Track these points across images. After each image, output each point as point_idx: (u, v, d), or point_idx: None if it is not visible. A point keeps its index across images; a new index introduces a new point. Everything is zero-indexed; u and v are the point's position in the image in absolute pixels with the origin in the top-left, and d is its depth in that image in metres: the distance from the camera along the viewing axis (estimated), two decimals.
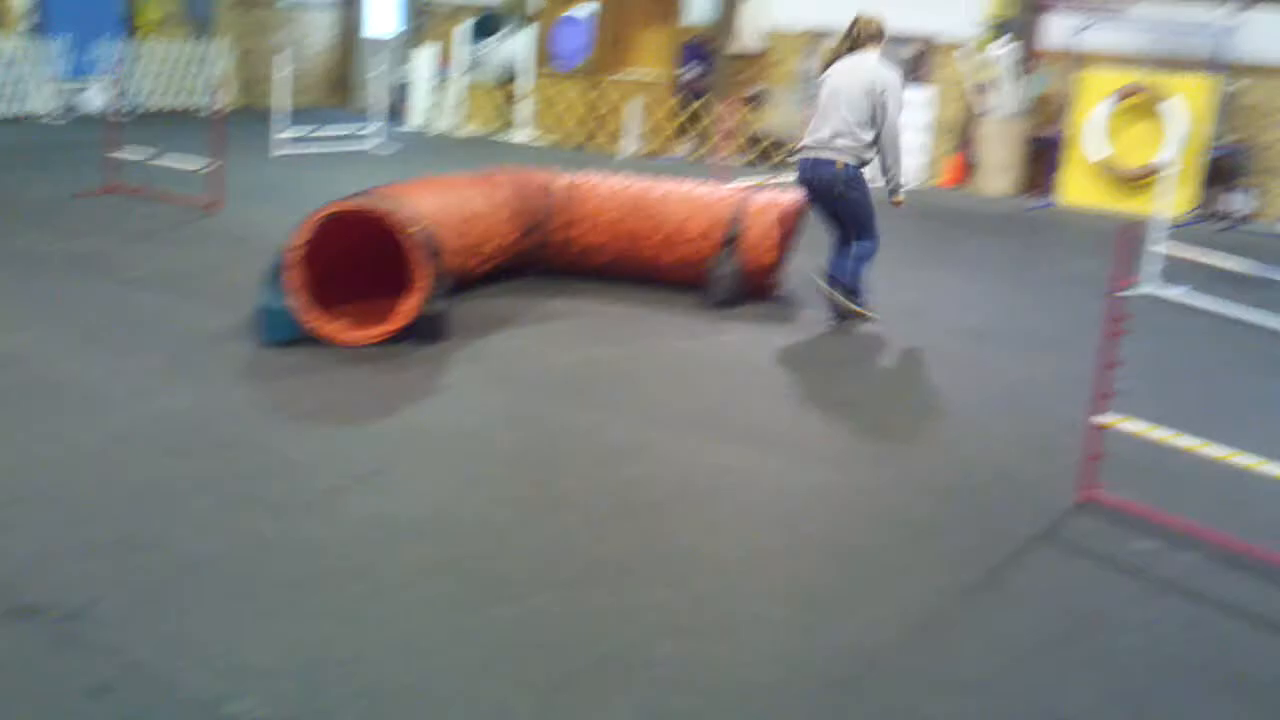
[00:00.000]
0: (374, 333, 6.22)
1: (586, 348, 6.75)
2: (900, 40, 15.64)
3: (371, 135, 14.02)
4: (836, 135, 7.03)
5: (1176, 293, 8.66)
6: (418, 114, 17.02)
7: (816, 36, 16.04)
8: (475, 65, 16.80)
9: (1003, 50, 13.84)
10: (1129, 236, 4.59)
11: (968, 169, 14.29)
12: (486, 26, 17.06)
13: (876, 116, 7.00)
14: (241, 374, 5.85)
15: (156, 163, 10.16)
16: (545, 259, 8.11)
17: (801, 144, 7.30)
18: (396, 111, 16.93)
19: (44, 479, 4.47)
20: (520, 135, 16.32)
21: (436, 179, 7.75)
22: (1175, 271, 8.79)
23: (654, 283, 7.99)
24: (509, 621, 3.61)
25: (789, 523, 4.50)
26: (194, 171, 9.84)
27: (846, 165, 7.04)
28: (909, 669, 3.50)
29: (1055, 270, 9.82)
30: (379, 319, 6.28)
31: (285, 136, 13.04)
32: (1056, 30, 14.35)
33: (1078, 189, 13.55)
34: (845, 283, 7.22)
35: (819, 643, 3.61)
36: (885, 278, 7.86)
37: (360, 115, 14.90)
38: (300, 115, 13.85)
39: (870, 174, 7.16)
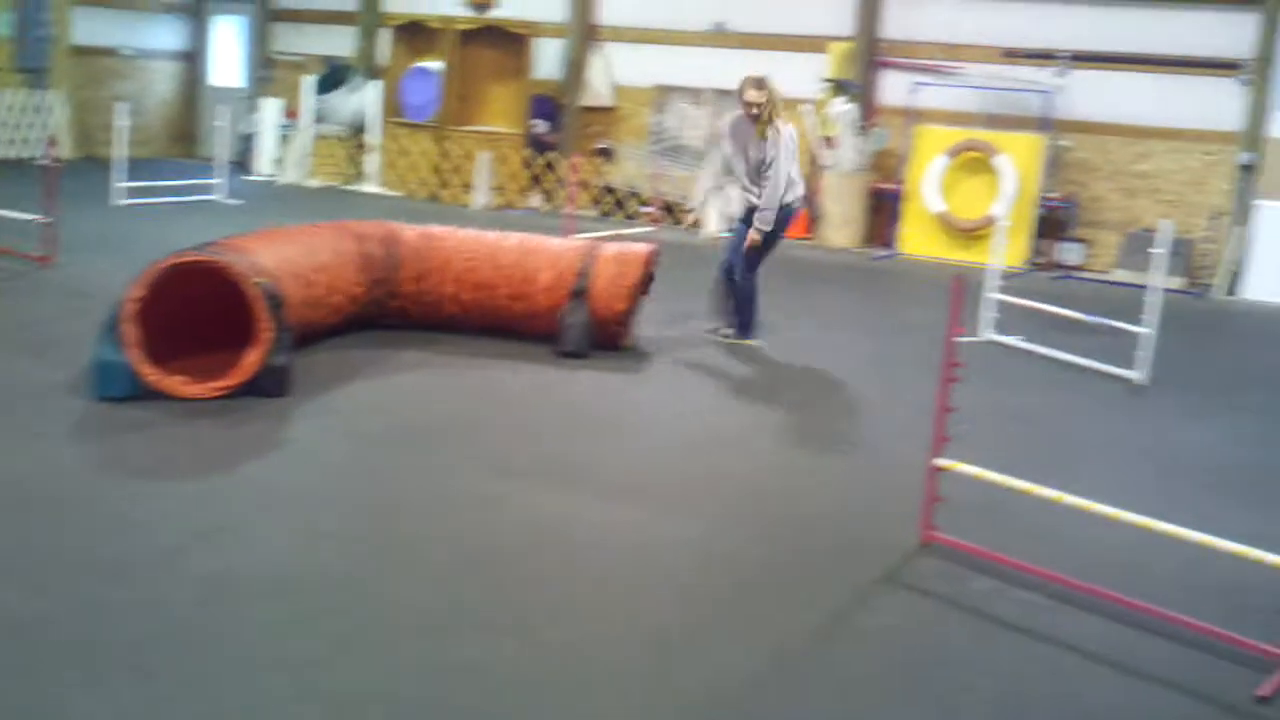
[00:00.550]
0: (214, 386, 6.07)
1: (436, 399, 6.70)
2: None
3: (217, 186, 13.75)
4: (783, 183, 8.01)
5: (1012, 340, 8.98)
6: (265, 164, 16.76)
7: (665, 90, 16.30)
8: (323, 116, 16.63)
9: (843, 107, 14.26)
10: (963, 286, 4.75)
11: (813, 221, 14.63)
12: (334, 78, 16.94)
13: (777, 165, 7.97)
14: (75, 430, 5.64)
15: None
16: (396, 311, 8.04)
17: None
18: (244, 162, 16.66)
19: None
20: (370, 186, 16.18)
21: (282, 230, 7.64)
22: (1011, 319, 9.12)
23: (506, 333, 7.98)
24: (361, 680, 3.54)
25: (640, 571, 4.52)
26: (29, 222, 9.51)
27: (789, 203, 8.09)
28: (759, 713, 3.52)
29: (898, 318, 10.10)
30: (220, 373, 6.13)
31: (125, 186, 12.70)
32: (894, 88, 14.85)
33: (918, 240, 13.99)
34: (745, 326, 8.33)
35: (671, 689, 3.62)
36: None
37: (205, 165, 14.61)
38: (143, 166, 13.53)
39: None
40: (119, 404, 5.91)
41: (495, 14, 16.51)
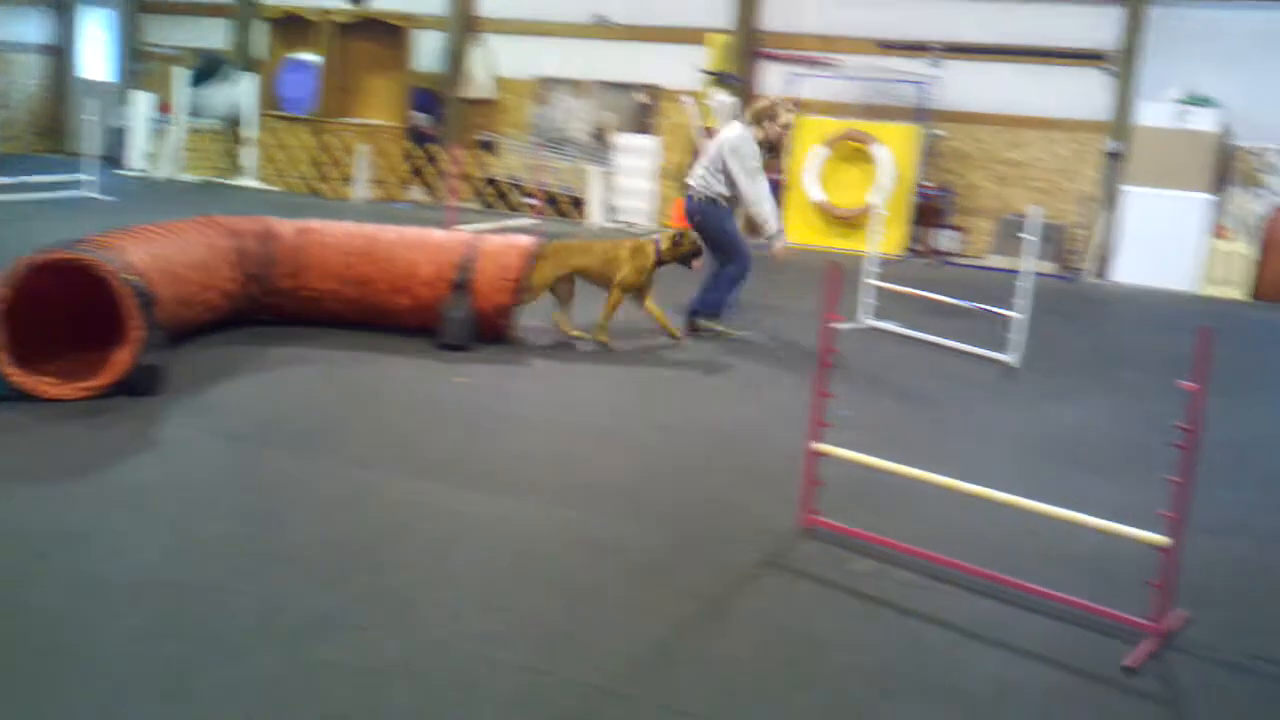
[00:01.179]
0: (82, 387, 5.90)
1: (312, 395, 6.59)
2: (627, 88, 16.04)
3: (87, 182, 13.36)
4: (697, 174, 8.67)
5: (889, 325, 9.13)
6: (138, 159, 16.34)
7: (546, 82, 16.26)
8: (198, 110, 16.27)
9: (724, 99, 14.36)
10: (839, 273, 4.81)
11: None
12: (208, 71, 16.58)
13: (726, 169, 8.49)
14: None
15: None
16: (273, 306, 7.89)
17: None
18: (115, 157, 16.22)
19: None
20: (248, 181, 15.88)
21: (153, 226, 7.43)
22: (889, 305, 9.27)
23: (387, 328, 7.88)
24: (234, 683, 3.46)
25: (520, 565, 4.50)
26: None
27: (699, 198, 8.59)
28: (638, 702, 3.53)
29: (780, 306, 10.20)
30: (90, 373, 5.96)
31: None
32: (773, 79, 15.01)
33: (798, 229, 14.15)
34: (704, 310, 8.64)
35: (551, 681, 3.61)
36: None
37: (75, 161, 14.19)
38: (9, 161, 13.08)
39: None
40: None
41: (374, 6, 16.32)
